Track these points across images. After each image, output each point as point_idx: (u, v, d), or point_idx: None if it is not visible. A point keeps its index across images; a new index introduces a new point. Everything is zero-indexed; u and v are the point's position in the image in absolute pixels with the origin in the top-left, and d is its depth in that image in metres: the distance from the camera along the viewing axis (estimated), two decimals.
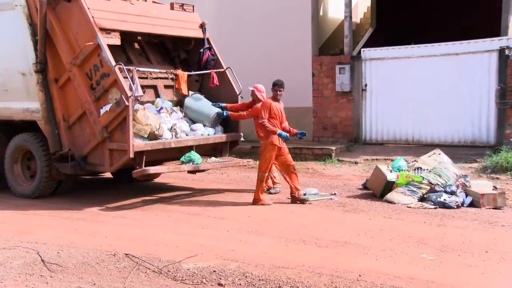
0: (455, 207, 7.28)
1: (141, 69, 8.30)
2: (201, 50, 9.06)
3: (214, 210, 7.52)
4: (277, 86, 7.82)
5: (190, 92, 8.94)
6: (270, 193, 8.53)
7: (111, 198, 8.32)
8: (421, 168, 8.37)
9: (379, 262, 5.15)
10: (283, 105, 8.05)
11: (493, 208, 7.29)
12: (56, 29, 7.87)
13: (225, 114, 8.58)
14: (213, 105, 8.71)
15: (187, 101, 8.80)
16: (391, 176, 8.06)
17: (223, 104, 8.71)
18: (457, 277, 4.74)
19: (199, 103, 8.78)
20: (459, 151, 10.60)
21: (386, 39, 13.70)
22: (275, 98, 7.85)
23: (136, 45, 8.96)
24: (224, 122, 8.96)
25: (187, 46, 9.29)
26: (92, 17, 7.60)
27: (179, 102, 8.95)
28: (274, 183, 8.64)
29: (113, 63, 7.44)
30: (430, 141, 11.42)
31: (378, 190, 8.13)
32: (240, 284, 4.66)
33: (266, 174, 7.85)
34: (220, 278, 4.78)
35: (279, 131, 7.74)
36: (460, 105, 11.03)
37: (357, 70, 12.18)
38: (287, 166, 7.92)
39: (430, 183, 7.77)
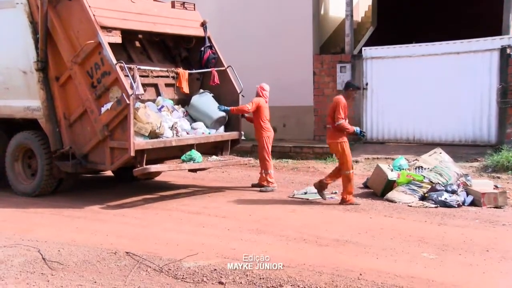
0: (456, 206, 7.28)
1: (142, 67, 8.28)
2: (202, 49, 9.06)
3: (215, 208, 7.52)
4: (359, 89, 7.81)
5: (201, 90, 8.95)
6: (262, 191, 8.55)
7: (111, 197, 8.32)
8: (422, 167, 8.37)
9: (379, 261, 5.16)
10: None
11: (494, 207, 7.29)
12: (57, 27, 7.86)
13: (226, 108, 8.59)
14: (219, 108, 8.70)
15: (194, 99, 8.80)
16: (392, 175, 8.06)
17: (228, 108, 8.66)
18: (458, 276, 4.74)
19: (204, 104, 8.74)
20: (460, 150, 10.59)
21: (387, 38, 13.68)
22: (348, 99, 7.78)
23: (137, 44, 8.96)
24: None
25: (188, 44, 9.28)
26: (93, 15, 7.60)
27: (180, 101, 8.95)
28: (268, 182, 8.64)
29: (114, 61, 7.43)
30: (431, 140, 11.40)
31: (379, 189, 8.12)
32: (241, 283, 4.66)
33: (352, 171, 7.63)
34: (221, 277, 4.78)
35: (354, 129, 7.71)
36: (461, 104, 11.02)
37: (358, 69, 12.17)
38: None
39: (431, 182, 7.78)
